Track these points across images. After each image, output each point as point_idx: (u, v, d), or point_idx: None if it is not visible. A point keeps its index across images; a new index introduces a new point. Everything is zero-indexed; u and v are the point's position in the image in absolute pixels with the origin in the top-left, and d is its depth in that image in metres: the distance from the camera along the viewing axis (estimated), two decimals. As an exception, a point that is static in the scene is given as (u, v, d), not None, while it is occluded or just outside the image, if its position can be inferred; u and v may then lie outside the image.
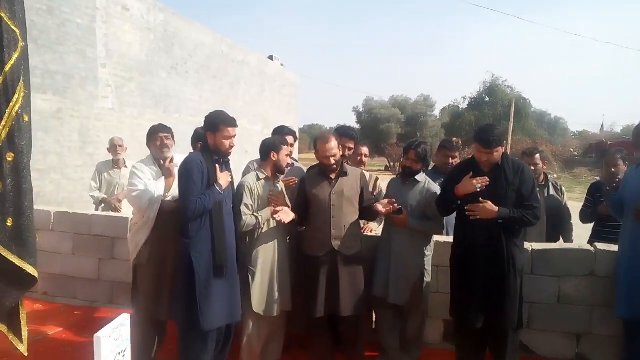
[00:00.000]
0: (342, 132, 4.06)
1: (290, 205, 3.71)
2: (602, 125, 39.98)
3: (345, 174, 3.52)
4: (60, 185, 8.32)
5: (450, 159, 4.34)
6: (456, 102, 43.22)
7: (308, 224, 3.59)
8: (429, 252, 3.73)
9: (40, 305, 4.95)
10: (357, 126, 42.64)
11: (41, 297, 5.05)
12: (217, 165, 3.13)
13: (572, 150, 36.99)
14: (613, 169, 4.20)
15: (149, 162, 3.61)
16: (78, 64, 8.66)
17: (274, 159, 3.55)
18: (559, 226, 4.54)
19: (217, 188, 3.05)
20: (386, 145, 36.40)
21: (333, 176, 3.50)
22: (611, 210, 3.76)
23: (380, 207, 3.46)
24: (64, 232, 5.00)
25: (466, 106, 40.57)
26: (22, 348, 2.87)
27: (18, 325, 2.85)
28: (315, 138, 3.65)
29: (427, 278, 3.69)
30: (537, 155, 4.55)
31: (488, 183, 3.14)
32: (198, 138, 3.63)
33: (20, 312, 2.83)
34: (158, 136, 3.58)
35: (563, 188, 4.62)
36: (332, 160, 3.44)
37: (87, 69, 8.86)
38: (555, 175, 29.60)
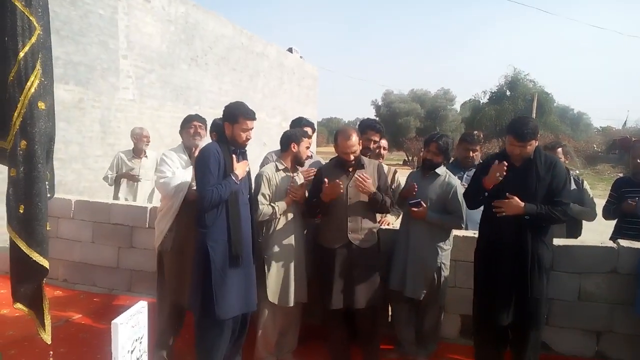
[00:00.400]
0: (368, 125, 4.06)
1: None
2: (626, 121, 39.13)
3: (362, 166, 3.49)
4: (82, 174, 8.45)
5: (471, 152, 4.28)
6: (477, 97, 42.69)
7: (324, 215, 3.58)
8: (447, 246, 3.68)
9: (60, 291, 5.04)
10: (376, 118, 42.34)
11: (61, 284, 5.14)
12: (233, 156, 3.13)
13: (595, 146, 36.27)
14: (639, 160, 4.14)
15: (179, 150, 3.67)
16: (100, 55, 8.75)
17: (294, 150, 3.56)
18: (578, 223, 4.45)
19: (234, 178, 3.05)
20: (405, 139, 36.16)
21: (350, 168, 3.48)
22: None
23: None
24: (84, 221, 5.07)
25: (487, 100, 40.00)
26: (45, 337, 2.91)
27: (41, 312, 2.89)
28: (336, 132, 3.61)
29: (445, 272, 3.65)
30: (560, 150, 4.47)
31: (505, 168, 3.05)
32: (214, 128, 3.65)
33: (44, 300, 2.87)
34: (192, 124, 3.66)
35: (585, 182, 4.51)
36: (352, 157, 3.42)
37: (109, 60, 8.95)
38: (578, 172, 29.13)
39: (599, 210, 4.42)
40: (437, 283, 3.61)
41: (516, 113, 35.63)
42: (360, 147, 3.52)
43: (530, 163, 3.12)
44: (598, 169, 29.25)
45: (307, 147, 3.67)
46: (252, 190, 3.40)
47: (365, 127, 4.00)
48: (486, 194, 3.23)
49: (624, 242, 3.75)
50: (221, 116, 3.26)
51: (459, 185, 3.66)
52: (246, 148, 3.29)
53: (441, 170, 3.67)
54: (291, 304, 3.48)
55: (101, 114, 8.80)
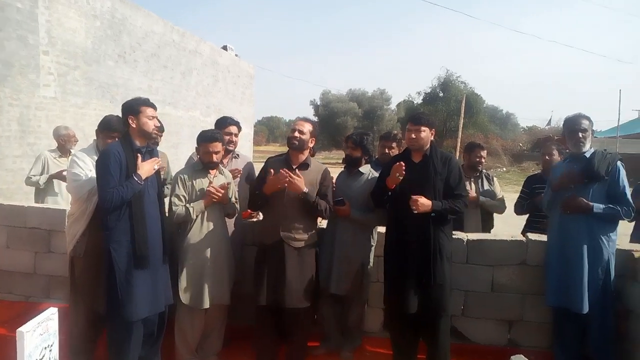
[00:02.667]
0: (385, 137, 4.37)
1: (236, 198, 3.70)
2: (550, 121, 41.42)
3: (307, 166, 3.52)
4: (-1, 176, 7.98)
5: (387, 149, 4.42)
6: (411, 97, 43.93)
7: (264, 209, 3.61)
8: (372, 243, 3.81)
9: (-28, 301, 4.74)
10: (314, 119, 42.68)
11: (-27, 293, 4.84)
12: (138, 155, 3.08)
13: (521, 144, 38.17)
14: (547, 157, 4.51)
15: (90, 151, 3.52)
16: (18, 51, 8.28)
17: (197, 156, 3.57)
18: (491, 219, 4.72)
19: (136, 179, 3.00)
20: (343, 139, 36.49)
21: (295, 166, 3.50)
22: (545, 205, 3.87)
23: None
24: (-3, 225, 4.79)
25: (421, 101, 41.25)
26: None
27: None
28: None
29: (369, 268, 3.76)
30: (483, 152, 4.74)
31: (404, 167, 3.24)
32: (102, 127, 3.51)
33: None
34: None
35: (495, 179, 4.82)
36: (297, 134, 3.46)
37: (28, 56, 8.49)
38: (505, 169, 30.56)
39: (511, 204, 4.71)
40: (361, 279, 3.72)
41: (449, 113, 37.01)
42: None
43: (427, 159, 3.38)
44: (523, 167, 30.85)
45: (216, 152, 3.56)
46: (164, 188, 3.38)
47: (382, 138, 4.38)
48: (389, 193, 3.40)
49: (532, 236, 4.00)
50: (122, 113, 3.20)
51: None
52: (156, 146, 3.26)
53: (365, 168, 3.79)
54: (205, 305, 3.43)
55: (20, 113, 8.33)
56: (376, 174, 3.82)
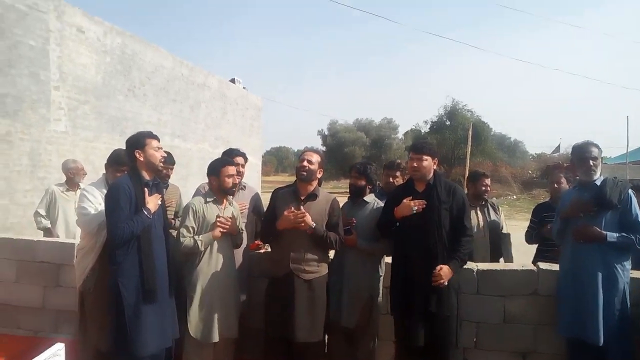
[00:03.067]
0: (389, 166, 4.49)
1: (243, 229, 3.71)
2: (559, 147, 41.31)
3: (315, 197, 3.52)
4: (9, 210, 8.04)
5: (391, 178, 4.43)
6: (418, 126, 44.09)
7: (274, 242, 3.60)
8: (380, 273, 3.78)
9: (-20, 336, 4.72)
10: (322, 149, 43.01)
11: (-19, 328, 4.82)
12: (145, 189, 3.10)
13: (530, 172, 38.08)
14: (556, 185, 4.49)
15: (100, 185, 3.56)
16: (30, 87, 8.47)
17: (215, 184, 3.56)
18: (500, 247, 4.67)
19: (145, 212, 3.02)
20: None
21: (303, 198, 3.50)
22: (555, 235, 3.82)
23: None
24: (7, 259, 4.80)
25: (428, 129, 41.38)
26: None
27: None
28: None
29: (378, 299, 3.72)
30: (488, 180, 4.74)
31: (425, 206, 3.26)
32: (112, 161, 3.59)
33: None
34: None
35: (500, 208, 4.82)
36: (305, 164, 3.46)
37: (39, 92, 8.67)
38: (515, 197, 30.37)
39: (521, 233, 4.67)
40: (370, 310, 3.67)
41: (456, 142, 37.03)
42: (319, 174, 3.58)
43: (431, 188, 3.38)
44: (534, 194, 30.67)
45: (230, 176, 3.62)
46: (169, 223, 3.39)
47: (388, 167, 4.49)
48: (397, 223, 3.42)
49: (543, 265, 3.94)
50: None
51: None
52: (161, 180, 3.29)
53: (369, 197, 3.80)
54: (215, 339, 3.41)
55: (30, 147, 8.46)
56: (381, 203, 3.82)
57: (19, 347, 4.44)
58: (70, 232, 5.50)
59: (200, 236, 3.40)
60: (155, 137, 3.21)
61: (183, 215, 3.47)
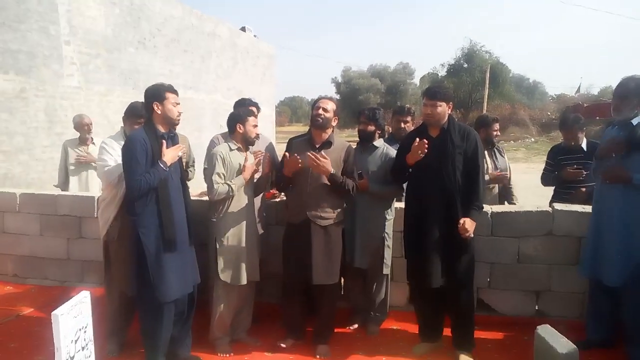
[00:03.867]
0: (399, 111, 4.49)
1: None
2: (579, 88, 40.25)
3: (330, 144, 3.53)
4: (29, 166, 8.19)
5: (402, 124, 4.39)
6: (435, 70, 43.13)
7: (289, 189, 3.66)
8: (390, 216, 3.83)
9: (11, 287, 4.94)
10: (336, 97, 42.48)
11: (11, 279, 5.04)
12: (163, 141, 3.12)
13: (549, 113, 37.27)
14: (573, 143, 4.38)
15: (118, 137, 3.61)
16: (41, 42, 8.41)
17: (241, 131, 3.58)
18: (510, 191, 4.70)
19: (162, 165, 3.05)
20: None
21: (318, 145, 3.52)
22: (592, 174, 3.77)
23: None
24: (31, 214, 4.95)
25: (445, 73, 40.48)
26: None
27: None
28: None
29: (389, 242, 3.79)
30: (496, 125, 4.69)
31: (426, 145, 3.22)
32: (129, 113, 3.62)
33: None
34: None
35: (504, 150, 4.84)
36: (321, 112, 3.48)
37: (51, 47, 8.62)
38: (533, 139, 29.93)
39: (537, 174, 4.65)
40: (381, 252, 3.76)
41: (473, 85, 36.28)
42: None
43: (445, 133, 3.32)
44: (552, 136, 30.14)
45: (255, 126, 3.67)
46: (185, 173, 3.45)
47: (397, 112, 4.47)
48: (410, 169, 3.41)
49: (558, 206, 3.93)
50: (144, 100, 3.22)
51: None
52: (175, 132, 3.30)
53: (379, 142, 3.83)
54: (244, 282, 3.53)
55: (46, 103, 8.51)
56: (390, 148, 3.83)
57: (47, 296, 4.65)
58: (82, 186, 5.62)
59: (233, 180, 3.47)
60: (175, 92, 3.18)
61: (210, 163, 3.51)
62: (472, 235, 3.24)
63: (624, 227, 3.25)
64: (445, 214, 3.26)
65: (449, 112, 3.36)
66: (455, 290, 3.32)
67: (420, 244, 3.34)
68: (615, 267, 3.26)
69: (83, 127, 5.67)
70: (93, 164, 5.43)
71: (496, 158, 4.68)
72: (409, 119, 4.41)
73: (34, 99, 8.29)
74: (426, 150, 3.22)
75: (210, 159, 3.55)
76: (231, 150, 3.57)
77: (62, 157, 5.70)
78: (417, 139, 3.27)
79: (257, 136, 4.14)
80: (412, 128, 4.47)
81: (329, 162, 3.37)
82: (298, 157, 3.37)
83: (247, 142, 3.65)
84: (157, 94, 3.12)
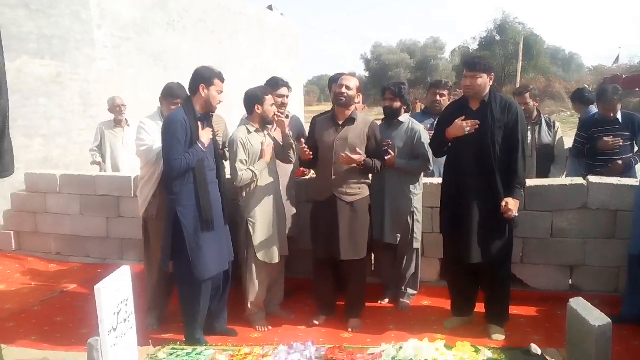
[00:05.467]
0: (436, 84, 4.52)
1: (293, 149, 3.78)
2: (618, 58, 38.60)
3: (353, 121, 3.54)
4: (67, 149, 8.43)
5: (439, 96, 4.34)
6: (466, 43, 42.08)
7: (315, 167, 3.70)
8: (418, 191, 3.84)
9: (55, 264, 5.16)
10: (365, 74, 42.02)
11: (55, 257, 5.27)
12: (199, 123, 3.17)
13: (586, 85, 36.05)
14: (612, 114, 4.23)
15: (155, 117, 3.71)
16: (73, 27, 8.57)
17: (259, 112, 3.59)
18: (549, 163, 4.55)
19: (200, 146, 3.11)
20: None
21: (341, 122, 3.54)
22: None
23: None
24: (71, 194, 5.15)
25: (477, 47, 39.43)
26: None
27: None
28: (338, 77, 3.69)
29: (418, 216, 3.80)
30: (527, 95, 4.54)
31: (478, 126, 3.15)
32: (166, 92, 3.68)
33: None
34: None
35: (557, 124, 4.62)
36: (344, 91, 3.47)
37: (83, 31, 8.77)
38: (569, 113, 29.04)
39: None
40: (411, 227, 3.77)
41: (506, 58, 35.29)
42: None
43: (486, 105, 3.22)
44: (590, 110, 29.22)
45: (273, 104, 3.67)
46: (220, 155, 3.49)
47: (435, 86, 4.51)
48: (449, 144, 3.36)
49: (592, 179, 3.85)
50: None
51: (423, 130, 3.81)
52: (212, 113, 3.35)
53: (404, 117, 3.81)
54: (277, 259, 3.61)
55: (80, 87, 8.69)
56: (416, 122, 3.81)
57: (89, 273, 4.84)
58: (117, 167, 5.79)
59: (255, 165, 3.51)
60: (223, 80, 3.24)
61: (232, 150, 3.53)
62: (516, 214, 3.18)
63: None
64: (485, 190, 3.19)
65: (490, 83, 3.24)
66: (492, 266, 3.29)
67: (458, 219, 3.30)
68: None
69: (116, 109, 5.83)
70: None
71: (539, 132, 4.49)
72: (445, 92, 4.37)
73: (69, 83, 8.48)
74: (473, 131, 3.16)
75: (230, 145, 3.58)
76: (249, 133, 3.58)
77: (97, 138, 5.87)
78: (464, 117, 3.20)
79: (285, 114, 4.13)
80: (448, 102, 4.42)
81: (361, 157, 3.39)
82: (307, 148, 3.46)
83: (265, 122, 3.66)
84: (207, 77, 3.18)
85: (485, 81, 3.19)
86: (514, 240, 3.42)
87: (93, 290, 2.44)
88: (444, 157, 3.80)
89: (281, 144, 3.66)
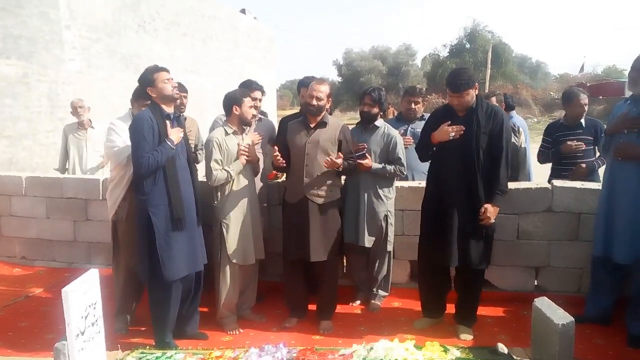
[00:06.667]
0: (410, 92, 4.55)
1: (261, 157, 3.80)
2: (582, 67, 39.80)
3: (324, 124, 3.57)
4: (33, 151, 8.25)
5: (414, 104, 4.42)
6: (437, 50, 42.75)
7: (287, 170, 3.71)
8: (392, 194, 3.88)
9: (20, 269, 5.03)
10: (338, 79, 42.25)
11: (20, 262, 5.13)
12: (167, 122, 3.17)
13: (552, 93, 36.98)
14: (579, 110, 4.32)
15: (126, 119, 3.66)
16: (41, 27, 8.40)
17: (237, 113, 3.60)
18: (516, 169, 4.67)
19: (169, 143, 3.10)
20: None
21: (312, 125, 3.56)
22: (601, 150, 3.82)
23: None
24: (37, 197, 5.02)
25: (447, 54, 40.12)
26: None
27: None
28: (307, 81, 3.74)
29: (391, 220, 3.85)
30: (493, 99, 4.69)
31: (463, 132, 3.20)
32: (135, 96, 3.66)
33: None
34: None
35: (520, 129, 4.76)
36: (315, 102, 3.49)
37: (51, 32, 8.60)
38: (536, 119, 29.76)
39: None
40: (384, 231, 3.82)
41: (476, 65, 35.98)
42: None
43: (471, 112, 3.26)
44: (555, 116, 29.96)
45: (251, 107, 3.70)
46: (192, 154, 3.48)
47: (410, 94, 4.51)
48: (434, 148, 3.41)
49: (557, 182, 3.97)
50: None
51: (398, 136, 3.86)
52: (184, 111, 3.34)
53: (380, 122, 3.86)
54: (252, 261, 3.62)
55: (48, 88, 8.53)
56: (391, 128, 3.88)
57: (56, 277, 4.73)
58: (83, 169, 5.70)
59: (230, 166, 3.50)
60: (163, 69, 3.21)
61: (208, 150, 3.53)
62: (493, 221, 3.26)
63: (636, 204, 3.24)
64: (467, 194, 3.25)
65: (476, 92, 3.27)
66: (469, 270, 3.34)
67: (440, 222, 3.35)
68: (626, 244, 3.26)
69: (76, 110, 5.74)
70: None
71: None
72: (419, 99, 4.45)
73: (37, 84, 8.31)
74: (458, 136, 3.21)
75: (206, 145, 3.58)
76: (227, 134, 3.58)
77: (62, 142, 5.78)
78: (449, 122, 3.24)
79: (256, 117, 4.15)
80: (422, 109, 4.50)
81: (341, 159, 3.43)
82: (279, 157, 3.48)
83: (243, 124, 3.67)
84: (146, 79, 3.19)
85: (472, 94, 3.23)
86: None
87: (59, 294, 2.40)
88: (417, 162, 3.89)
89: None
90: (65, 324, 2.39)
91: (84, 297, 2.53)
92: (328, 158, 3.41)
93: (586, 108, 4.38)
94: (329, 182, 3.58)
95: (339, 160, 3.41)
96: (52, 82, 8.62)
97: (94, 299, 2.61)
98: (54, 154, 6.05)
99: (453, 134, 3.21)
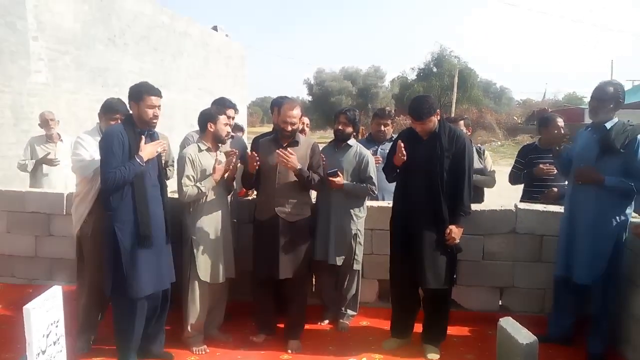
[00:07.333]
0: (380, 114, 4.63)
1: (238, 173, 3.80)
2: (545, 94, 41.36)
3: (296, 143, 3.61)
4: (-6, 163, 8.00)
5: (383, 126, 4.51)
6: (405, 73, 43.70)
7: (255, 186, 3.74)
8: (362, 214, 3.92)
9: (-24, 285, 4.83)
10: (308, 99, 42.60)
11: (-24, 278, 4.92)
12: (142, 137, 3.15)
13: (515, 117, 38.17)
14: (556, 131, 4.27)
15: (94, 133, 3.60)
16: (7, 37, 8.22)
17: (212, 130, 3.59)
18: (482, 195, 4.80)
19: (138, 160, 3.07)
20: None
21: (284, 144, 3.58)
22: (559, 169, 3.93)
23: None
24: (-3, 211, 4.86)
25: (415, 77, 41.07)
26: None
27: None
28: (280, 102, 3.74)
29: (361, 239, 3.88)
30: (461, 122, 4.81)
31: (404, 156, 3.32)
32: (103, 110, 3.62)
33: None
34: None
35: (486, 152, 4.90)
36: (289, 127, 3.52)
37: (18, 42, 8.42)
38: (500, 143, 30.60)
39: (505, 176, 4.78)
40: (354, 249, 3.85)
41: (442, 89, 36.92)
42: (302, 125, 3.70)
43: (435, 136, 3.37)
44: (518, 140, 30.88)
45: (226, 124, 3.70)
46: (163, 171, 3.46)
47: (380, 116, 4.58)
48: (398, 170, 3.50)
49: (521, 205, 4.09)
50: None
51: (370, 156, 3.92)
52: (155, 129, 3.32)
53: (352, 142, 3.93)
54: (222, 280, 3.58)
55: (12, 100, 8.30)
56: (363, 148, 3.97)
57: (15, 294, 4.56)
58: (51, 183, 5.55)
59: (202, 182, 3.48)
60: (156, 94, 3.18)
61: (180, 165, 3.51)
62: (457, 241, 3.36)
63: (594, 227, 3.35)
64: (432, 216, 3.33)
65: (438, 118, 3.38)
66: (437, 289, 3.40)
67: (409, 243, 3.42)
68: (586, 265, 3.37)
69: (46, 123, 5.62)
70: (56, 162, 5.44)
71: None
72: (389, 121, 4.55)
73: (0, 95, 8.09)
74: (404, 157, 3.32)
75: (179, 161, 3.56)
76: (200, 151, 3.58)
77: (27, 153, 5.63)
78: (400, 143, 3.35)
79: (230, 135, 4.16)
80: (392, 130, 4.59)
81: (295, 158, 3.46)
82: (256, 155, 3.47)
83: (217, 141, 3.67)
84: (136, 93, 3.16)
85: (434, 121, 3.34)
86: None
87: (18, 312, 2.33)
88: (387, 183, 3.95)
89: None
90: (26, 342, 2.32)
91: (47, 315, 2.46)
92: (279, 151, 3.43)
93: (562, 131, 4.49)
94: (299, 199, 3.60)
95: (294, 158, 3.43)
96: (16, 93, 8.41)
97: (57, 317, 2.55)
98: (15, 167, 5.86)
99: (401, 155, 3.33)
